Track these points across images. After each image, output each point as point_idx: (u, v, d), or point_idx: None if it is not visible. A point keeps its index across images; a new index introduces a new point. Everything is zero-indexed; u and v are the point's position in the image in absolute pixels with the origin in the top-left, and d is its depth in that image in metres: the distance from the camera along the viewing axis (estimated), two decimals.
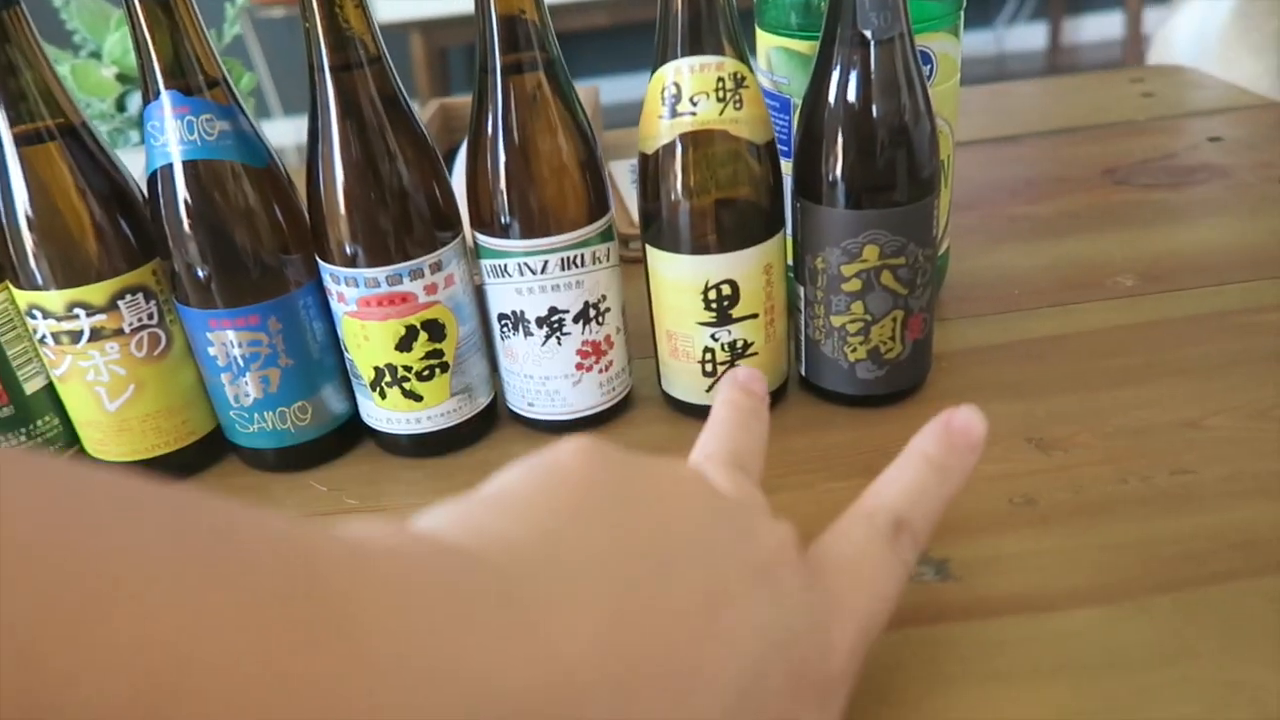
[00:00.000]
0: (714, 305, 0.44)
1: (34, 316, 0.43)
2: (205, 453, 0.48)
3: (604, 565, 0.22)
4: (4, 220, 0.42)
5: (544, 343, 0.45)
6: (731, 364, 0.45)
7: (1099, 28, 3.25)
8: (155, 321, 0.45)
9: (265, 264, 0.43)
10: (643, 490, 0.25)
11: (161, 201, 0.42)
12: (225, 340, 0.44)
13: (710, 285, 0.43)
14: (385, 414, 0.46)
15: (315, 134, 0.42)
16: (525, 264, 0.43)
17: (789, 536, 0.27)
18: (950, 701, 0.32)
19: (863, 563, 0.28)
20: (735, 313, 0.44)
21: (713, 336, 0.45)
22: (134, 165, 0.46)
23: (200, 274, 0.43)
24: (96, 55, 0.65)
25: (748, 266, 0.43)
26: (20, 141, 0.41)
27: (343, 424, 0.48)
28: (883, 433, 0.46)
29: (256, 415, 0.46)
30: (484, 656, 0.18)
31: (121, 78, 0.62)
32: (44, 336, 0.44)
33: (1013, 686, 0.33)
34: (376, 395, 0.45)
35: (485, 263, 0.45)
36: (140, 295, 0.44)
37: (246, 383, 0.45)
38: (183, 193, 0.42)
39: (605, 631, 0.20)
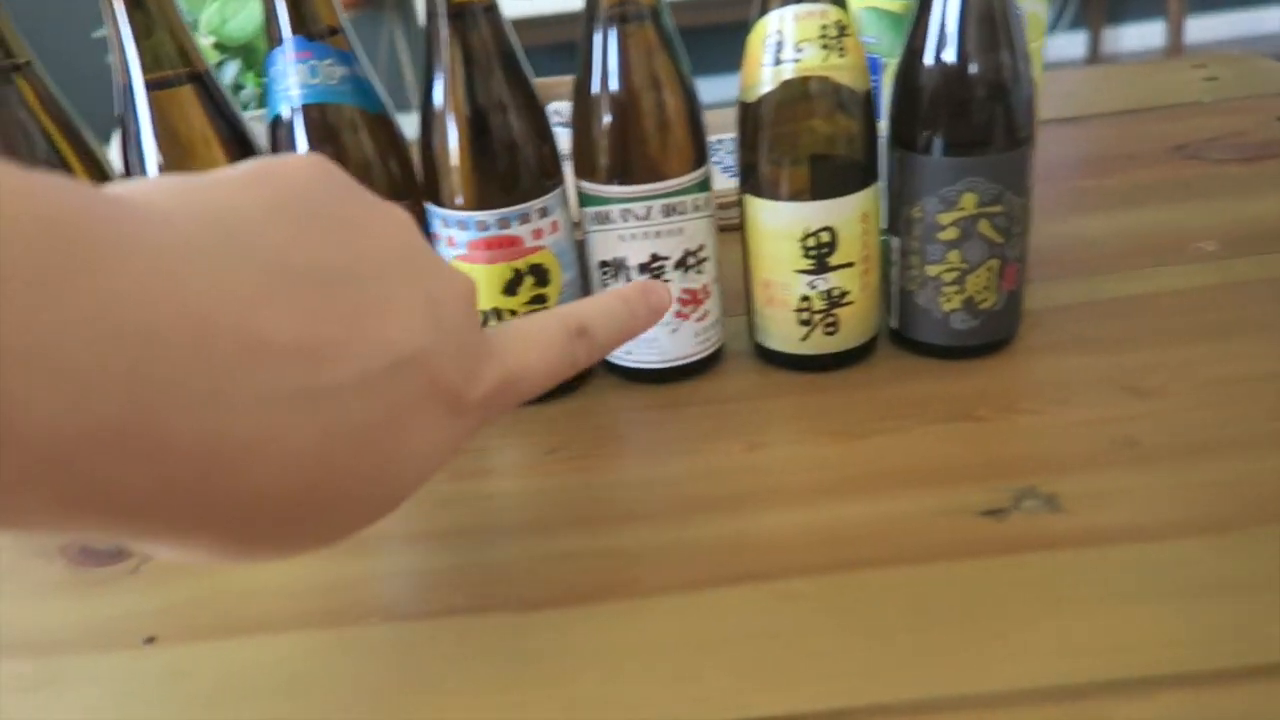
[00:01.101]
0: (813, 252, 0.45)
1: None
2: None
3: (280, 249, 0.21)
4: (132, 161, 0.44)
5: None
6: (827, 313, 0.46)
7: (1140, 37, 3.23)
8: None
9: None
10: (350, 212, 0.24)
11: (282, 145, 0.44)
12: None
13: (809, 232, 0.44)
14: None
15: (431, 79, 0.43)
16: (629, 210, 0.45)
17: (469, 292, 0.27)
18: (1067, 621, 0.33)
19: (538, 333, 0.29)
20: (833, 260, 0.45)
21: (810, 284, 0.46)
22: None
23: None
24: (193, 27, 0.67)
25: (846, 214, 0.44)
26: (152, 86, 0.43)
27: None
28: (976, 384, 0.46)
29: None
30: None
31: (219, 47, 0.64)
32: None
33: (1128, 607, 0.33)
34: None
35: (588, 210, 0.46)
36: None
37: None
38: (303, 135, 0.43)
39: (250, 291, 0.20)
